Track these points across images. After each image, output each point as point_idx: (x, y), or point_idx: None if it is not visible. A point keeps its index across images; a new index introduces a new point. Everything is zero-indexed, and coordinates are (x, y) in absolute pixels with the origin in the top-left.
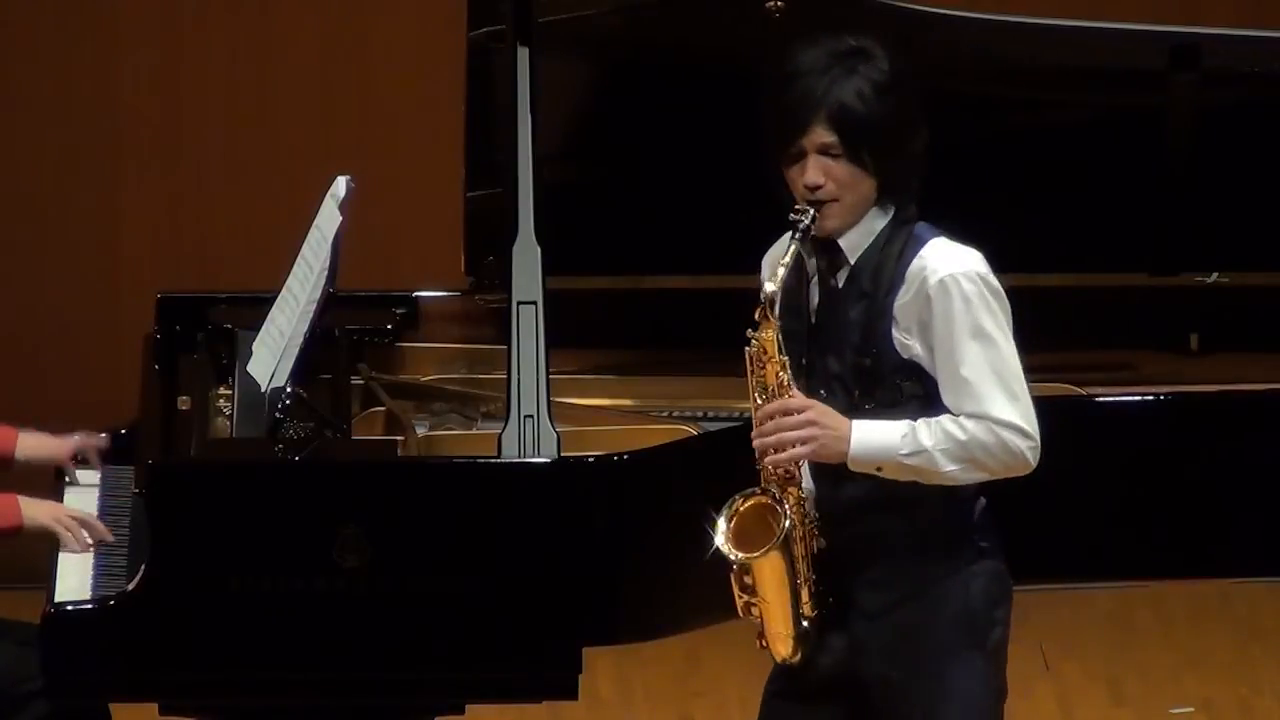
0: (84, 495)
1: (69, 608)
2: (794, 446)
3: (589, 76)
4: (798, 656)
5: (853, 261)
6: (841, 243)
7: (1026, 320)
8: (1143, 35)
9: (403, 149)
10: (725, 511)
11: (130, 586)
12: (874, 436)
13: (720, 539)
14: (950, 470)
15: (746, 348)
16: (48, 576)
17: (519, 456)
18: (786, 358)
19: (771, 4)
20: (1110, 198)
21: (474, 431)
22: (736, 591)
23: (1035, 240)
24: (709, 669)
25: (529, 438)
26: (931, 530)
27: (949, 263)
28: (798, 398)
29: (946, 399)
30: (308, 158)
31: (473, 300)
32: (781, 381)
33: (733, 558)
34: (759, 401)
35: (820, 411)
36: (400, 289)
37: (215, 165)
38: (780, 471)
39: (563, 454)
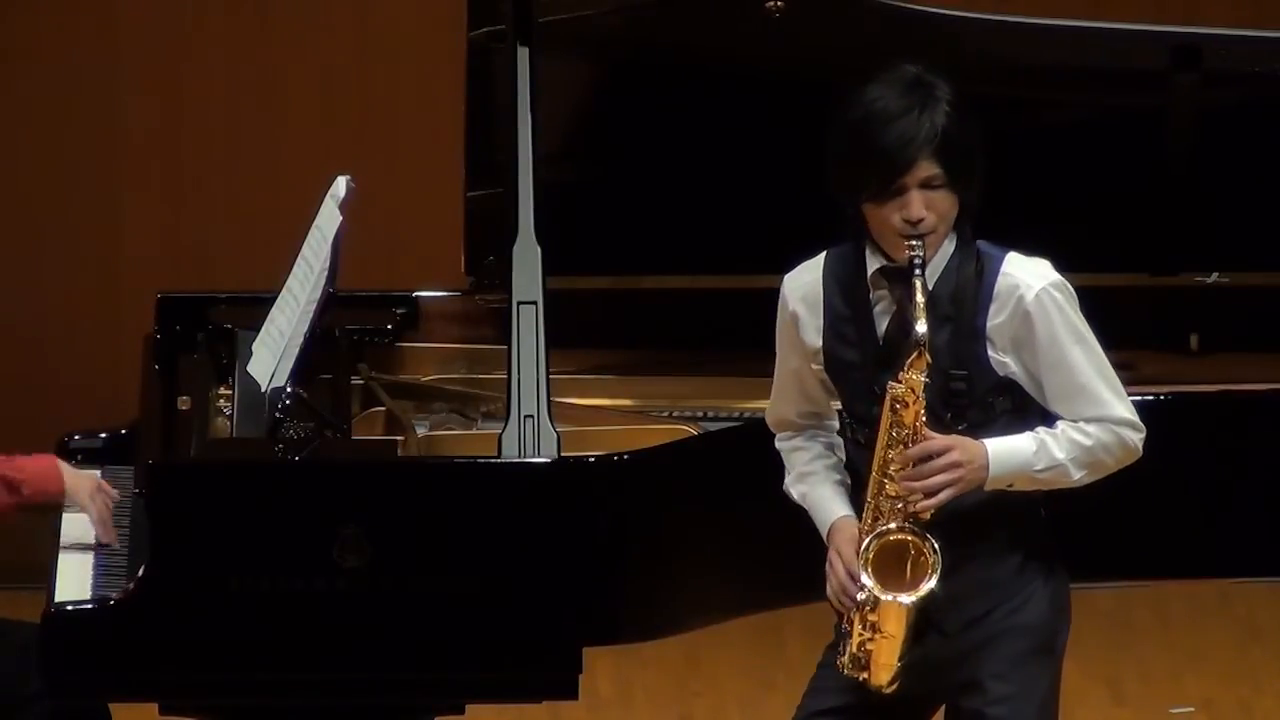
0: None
1: (69, 608)
2: (944, 490)
3: (589, 76)
4: (895, 686)
5: (930, 287)
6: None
7: None
8: (1143, 35)
9: (403, 149)
10: (862, 556)
11: (130, 586)
12: (1010, 457)
13: (869, 583)
14: (1078, 476)
15: (890, 389)
16: (48, 576)
17: (519, 456)
18: (925, 398)
19: (771, 4)
20: (1110, 198)
21: (474, 431)
22: (858, 629)
23: (1035, 240)
24: (709, 669)
25: (529, 438)
26: (1007, 547)
27: (1036, 276)
28: (938, 439)
29: (1058, 407)
30: (308, 158)
31: (473, 300)
32: (920, 422)
33: (903, 600)
34: (891, 439)
35: (961, 449)
36: (400, 289)
37: (215, 165)
38: (909, 510)
39: (563, 454)
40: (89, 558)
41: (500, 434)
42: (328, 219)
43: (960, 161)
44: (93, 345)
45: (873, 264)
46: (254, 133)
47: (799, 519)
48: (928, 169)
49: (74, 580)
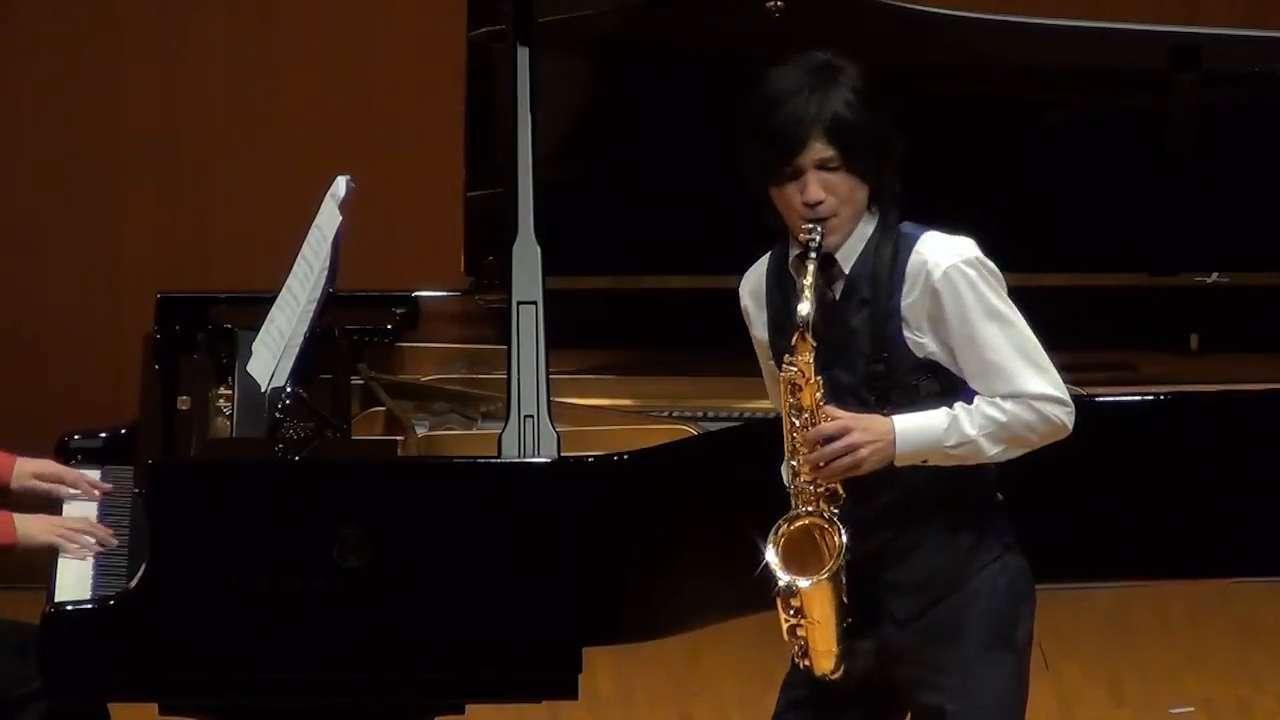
0: (82, 505)
1: (69, 608)
2: (845, 472)
3: (589, 76)
4: (840, 671)
5: (847, 271)
6: (837, 255)
7: (1026, 320)
8: (1143, 35)
9: (403, 149)
10: (772, 539)
11: (130, 586)
12: (918, 433)
13: (776, 568)
14: (995, 451)
15: (783, 373)
16: (48, 576)
17: (519, 456)
18: (819, 378)
19: (771, 4)
20: (1110, 198)
21: (474, 431)
22: (783, 616)
23: (1035, 240)
24: (709, 669)
25: (529, 438)
26: (956, 532)
27: (947, 253)
28: (836, 420)
29: (976, 385)
30: (308, 158)
31: (473, 300)
32: (818, 402)
33: (801, 584)
34: (794, 423)
35: (861, 427)
36: (400, 289)
37: (215, 165)
38: (824, 490)
39: (563, 454)
40: (89, 557)
41: (500, 434)
42: (328, 219)
43: (857, 145)
44: (93, 345)
45: (792, 253)
46: (254, 133)
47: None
48: (821, 150)
49: (74, 580)
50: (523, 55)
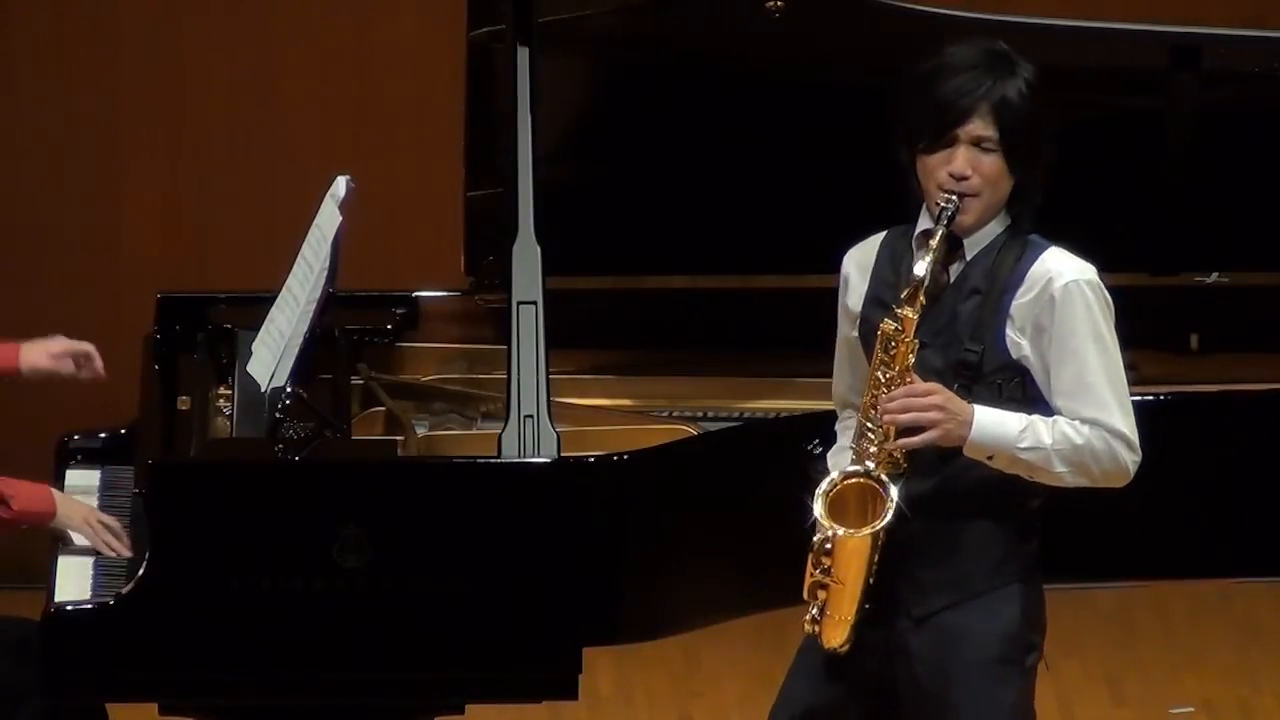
0: (84, 496)
1: (69, 608)
2: (924, 429)
3: (589, 76)
4: (847, 645)
5: (969, 258)
6: (965, 240)
7: None
8: (1143, 35)
9: (403, 149)
10: (825, 486)
11: (129, 586)
12: (995, 426)
13: (819, 512)
14: (1060, 471)
15: (883, 324)
16: (48, 576)
17: (519, 456)
18: (917, 341)
19: (771, 4)
20: (1110, 198)
21: (474, 431)
22: (810, 570)
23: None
24: (709, 669)
25: (529, 438)
26: (990, 541)
27: (1072, 268)
28: (923, 383)
29: (1060, 402)
30: (308, 158)
31: (473, 300)
32: (908, 364)
33: (833, 531)
34: (879, 379)
35: (946, 396)
36: (400, 289)
37: (215, 165)
38: (886, 456)
39: (563, 454)
40: (89, 558)
41: (500, 434)
42: (328, 219)
43: (1018, 133)
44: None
45: (919, 227)
46: (254, 133)
47: (799, 519)
48: (982, 127)
49: (74, 580)
50: (523, 55)
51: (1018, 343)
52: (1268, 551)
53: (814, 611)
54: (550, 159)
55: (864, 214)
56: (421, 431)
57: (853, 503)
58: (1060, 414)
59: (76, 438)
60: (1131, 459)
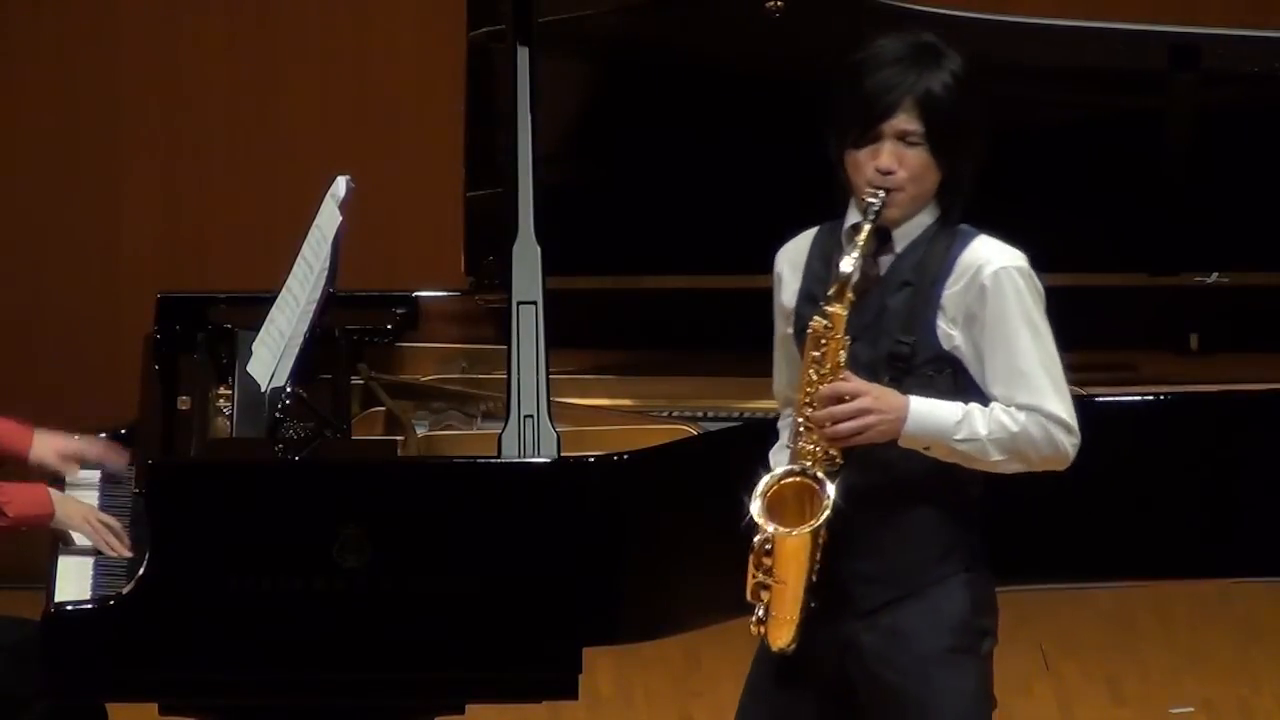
0: (84, 495)
1: (69, 608)
2: (849, 436)
3: (589, 76)
4: (794, 645)
5: (898, 251)
6: (894, 233)
7: None
8: (1143, 35)
9: (403, 149)
10: (762, 486)
11: (130, 586)
12: (930, 417)
13: (756, 512)
14: (997, 459)
15: (812, 322)
16: (48, 576)
17: (519, 456)
18: (848, 338)
19: (771, 4)
20: (1110, 198)
21: (474, 431)
22: (752, 571)
23: (1035, 240)
24: (709, 669)
25: (529, 438)
26: (932, 532)
27: (1001, 256)
28: (853, 381)
29: (995, 389)
30: (308, 158)
31: (473, 300)
32: (839, 362)
33: (770, 530)
34: (812, 377)
35: (876, 396)
36: (400, 289)
37: (215, 165)
38: (823, 453)
39: (563, 454)
40: (89, 558)
41: (500, 434)
42: (328, 219)
43: (944, 127)
44: (93, 345)
45: (849, 221)
46: (254, 133)
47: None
48: (906, 122)
49: (74, 580)
50: (523, 55)
51: (949, 333)
52: (1268, 551)
53: (759, 613)
54: (550, 159)
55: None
56: (421, 431)
57: (791, 501)
58: (996, 401)
59: (76, 438)
60: (1070, 442)
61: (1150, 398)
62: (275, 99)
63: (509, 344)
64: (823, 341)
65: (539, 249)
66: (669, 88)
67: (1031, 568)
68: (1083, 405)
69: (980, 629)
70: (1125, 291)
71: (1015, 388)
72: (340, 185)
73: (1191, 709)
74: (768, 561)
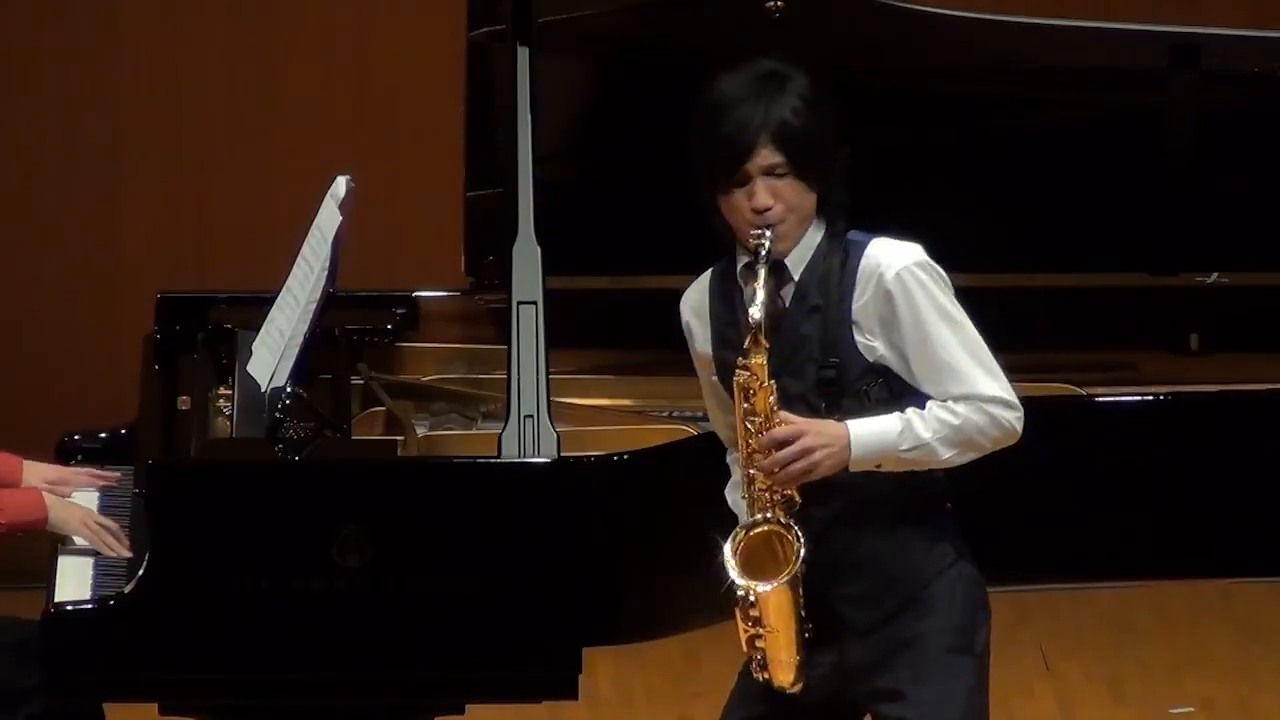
0: (84, 495)
1: (69, 608)
2: (799, 477)
3: (589, 76)
4: (799, 685)
5: (796, 278)
6: (787, 261)
7: (1026, 320)
8: (1143, 35)
9: (403, 149)
10: (730, 546)
11: (130, 586)
12: (872, 438)
13: (734, 574)
14: (948, 456)
15: (735, 378)
16: (48, 576)
17: (519, 456)
18: (774, 382)
19: (771, 4)
20: (1110, 198)
21: (474, 431)
22: (742, 626)
23: (1035, 240)
24: (709, 669)
25: (529, 438)
26: (908, 540)
27: (898, 257)
28: (788, 425)
29: (928, 387)
30: (308, 158)
31: (473, 300)
32: (771, 407)
33: (759, 589)
34: (748, 429)
35: (814, 433)
36: (400, 289)
37: (215, 165)
38: (780, 497)
39: (563, 454)
40: (89, 558)
41: (500, 434)
42: (328, 219)
43: (804, 152)
44: (93, 345)
45: (741, 261)
46: (253, 133)
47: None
48: (769, 156)
49: (74, 580)
50: (523, 55)
51: (871, 345)
52: (1268, 551)
53: (758, 659)
54: (550, 159)
55: (861, 212)
56: (421, 431)
57: (763, 549)
58: (931, 398)
59: (76, 438)
60: (1014, 416)
61: (1150, 398)
62: (275, 99)
63: (509, 344)
64: (751, 392)
65: (539, 249)
66: (669, 88)
67: (1032, 568)
68: (1083, 405)
69: (975, 625)
70: (1125, 291)
71: (945, 381)
72: (340, 185)
73: (1191, 709)
74: (754, 614)
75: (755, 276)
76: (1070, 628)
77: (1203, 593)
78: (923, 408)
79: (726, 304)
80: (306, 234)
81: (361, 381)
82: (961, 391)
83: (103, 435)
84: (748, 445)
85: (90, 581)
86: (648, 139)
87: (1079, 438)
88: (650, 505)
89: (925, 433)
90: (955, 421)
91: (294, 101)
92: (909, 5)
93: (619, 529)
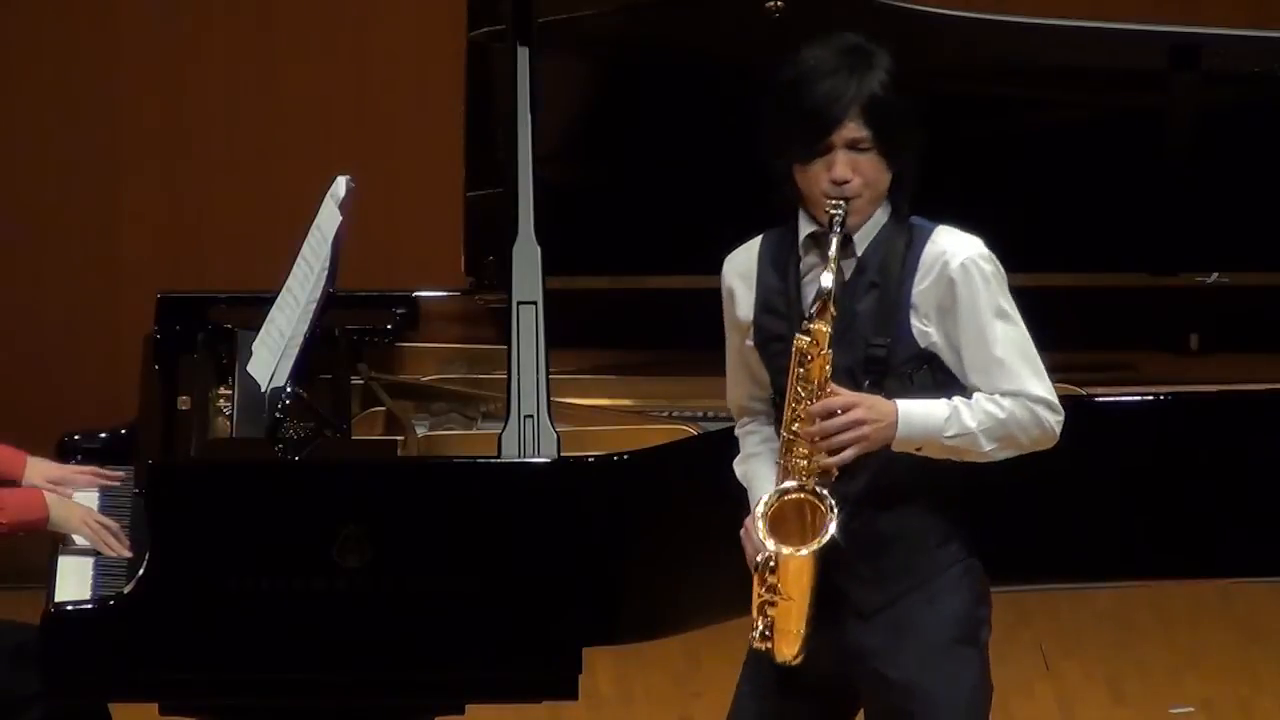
0: (84, 496)
1: (69, 608)
2: (846, 448)
3: (589, 76)
4: (800, 657)
5: (860, 254)
6: (854, 237)
7: (1026, 320)
8: (1143, 35)
9: (403, 149)
10: (763, 506)
11: (130, 586)
12: (920, 419)
13: (761, 532)
14: (989, 449)
15: (795, 342)
16: (48, 576)
17: (519, 456)
18: (832, 352)
19: (771, 4)
20: (1110, 198)
21: (474, 431)
22: (757, 589)
23: (1035, 240)
24: (709, 669)
25: (529, 438)
26: (926, 528)
27: (964, 247)
28: (842, 394)
29: (975, 379)
30: (308, 158)
31: (473, 300)
32: (826, 376)
33: (778, 550)
34: (799, 394)
35: (867, 406)
36: (400, 289)
37: (215, 165)
38: (815, 466)
39: (563, 454)
40: (89, 558)
41: (500, 434)
42: (328, 219)
43: (890, 128)
44: (93, 345)
45: (804, 231)
46: (254, 133)
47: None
48: (855, 130)
49: (74, 580)
50: (523, 55)
51: (924, 330)
52: (1268, 551)
53: (762, 628)
54: (550, 159)
55: None
56: (421, 431)
57: (792, 517)
58: (977, 390)
59: (76, 438)
60: (1055, 419)
61: (1150, 398)
62: (275, 99)
63: (509, 344)
64: (808, 358)
65: (539, 249)
66: (669, 88)
67: (1032, 568)
68: (1083, 405)
69: (979, 619)
70: (1125, 291)
71: (995, 376)
72: (340, 185)
73: (1191, 709)
74: (772, 579)
75: (825, 246)
76: (1070, 628)
77: (1203, 593)
78: (967, 398)
79: (778, 272)
80: (306, 234)
81: (361, 381)
82: (1009, 387)
83: (103, 435)
84: (793, 411)
85: (90, 581)
86: (648, 139)
87: (1079, 438)
88: (650, 505)
89: (971, 421)
90: (1001, 415)
91: (294, 101)
92: (909, 5)
93: (619, 529)
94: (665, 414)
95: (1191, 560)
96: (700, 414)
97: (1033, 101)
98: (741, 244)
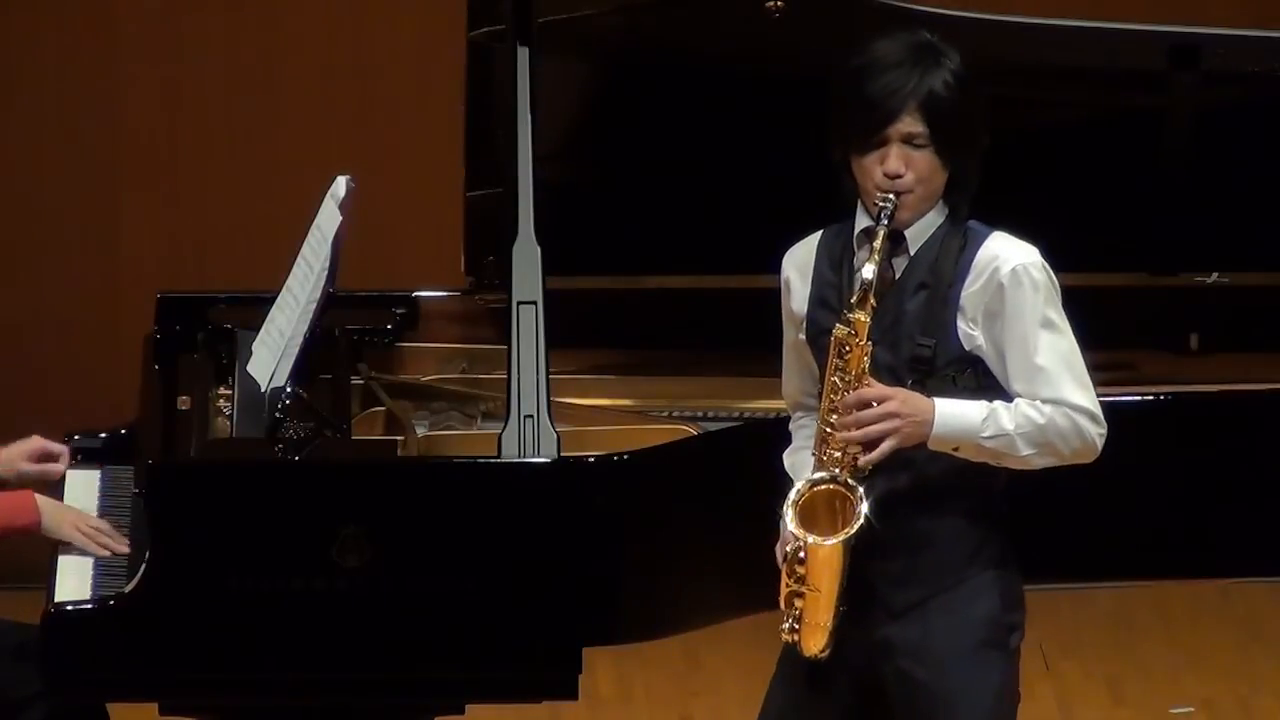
0: (84, 496)
1: (69, 608)
2: (881, 441)
3: (589, 76)
4: (827, 651)
5: (912, 252)
6: (906, 234)
7: None
8: (1143, 35)
9: (403, 149)
10: (794, 495)
11: (130, 586)
12: (957, 419)
13: (790, 521)
14: (1027, 454)
15: (835, 331)
16: (48, 576)
17: (519, 456)
18: (871, 343)
19: (771, 4)
20: (1110, 198)
21: (474, 431)
22: (785, 581)
23: (1035, 240)
24: (709, 669)
25: (529, 438)
26: (962, 530)
27: (1017, 253)
28: (877, 387)
29: (1018, 386)
30: (308, 158)
31: (473, 300)
32: (863, 368)
33: (806, 539)
34: (836, 383)
35: (903, 400)
36: (400, 289)
37: (215, 166)
38: (850, 459)
39: (563, 454)
40: (89, 558)
41: (500, 434)
42: (327, 219)
43: (949, 127)
44: (93, 345)
45: (858, 226)
46: (253, 133)
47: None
48: (911, 124)
49: (74, 580)
50: (523, 55)
51: (970, 334)
52: (1268, 551)
53: (791, 621)
54: (550, 159)
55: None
56: (421, 431)
57: (822, 508)
58: (1019, 397)
59: (76, 438)
60: (1098, 432)
61: (1150, 398)
62: (275, 99)
63: (509, 344)
64: (846, 349)
65: (539, 249)
66: (669, 88)
67: (1032, 568)
68: None
69: (1009, 624)
70: (1125, 291)
71: (1036, 384)
72: (340, 185)
73: (1191, 709)
74: (800, 570)
75: (873, 238)
76: (1070, 628)
77: (1203, 593)
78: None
79: (834, 266)
80: (306, 234)
81: (361, 381)
82: (1051, 395)
83: (103, 435)
84: (830, 401)
85: (90, 581)
86: (648, 139)
87: None
88: (650, 505)
89: (1009, 424)
90: (1040, 421)
91: (294, 102)
92: (909, 5)
93: (619, 529)
94: (665, 414)
95: (1191, 560)
96: (700, 414)
97: (1032, 102)
98: (741, 244)
